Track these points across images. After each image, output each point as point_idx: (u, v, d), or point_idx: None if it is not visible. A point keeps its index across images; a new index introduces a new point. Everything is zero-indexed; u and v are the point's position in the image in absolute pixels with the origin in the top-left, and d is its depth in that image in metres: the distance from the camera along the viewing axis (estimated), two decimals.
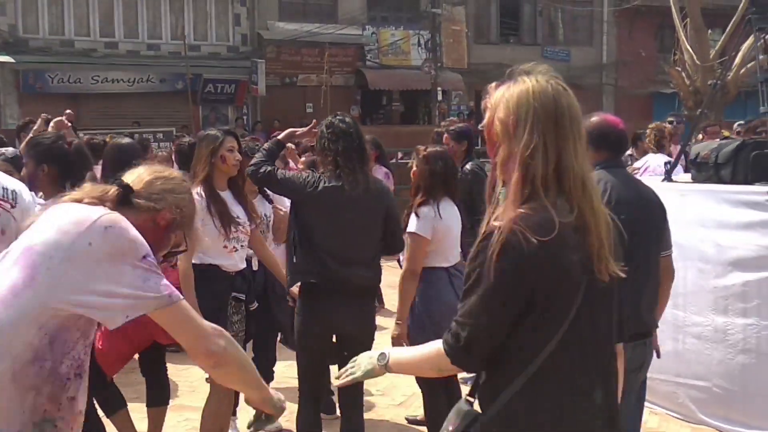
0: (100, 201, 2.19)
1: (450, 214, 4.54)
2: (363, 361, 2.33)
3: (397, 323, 4.43)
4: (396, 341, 4.40)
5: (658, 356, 3.87)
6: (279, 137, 4.61)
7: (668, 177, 5.86)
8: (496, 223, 1.97)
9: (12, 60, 21.07)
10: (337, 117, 4.26)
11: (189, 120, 20.32)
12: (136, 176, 2.33)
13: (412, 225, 4.42)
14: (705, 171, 5.53)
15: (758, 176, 5.18)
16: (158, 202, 2.28)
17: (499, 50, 27.34)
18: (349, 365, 2.38)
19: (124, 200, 2.21)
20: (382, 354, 2.28)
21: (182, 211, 2.35)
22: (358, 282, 4.05)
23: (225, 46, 24.18)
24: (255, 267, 5.22)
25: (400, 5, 26.11)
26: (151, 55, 23.15)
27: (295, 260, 4.14)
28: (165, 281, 2.10)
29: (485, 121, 2.17)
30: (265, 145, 4.52)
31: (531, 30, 28.60)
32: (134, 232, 2.09)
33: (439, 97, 24.58)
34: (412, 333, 4.44)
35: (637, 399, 3.84)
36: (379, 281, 4.41)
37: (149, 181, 2.31)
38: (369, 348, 4.15)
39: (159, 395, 4.72)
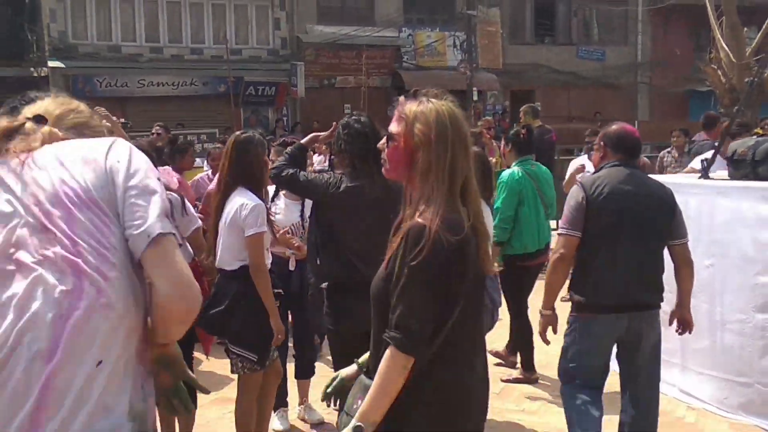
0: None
1: (488, 214, 4.56)
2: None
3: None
4: None
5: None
6: (302, 141, 4.57)
7: (705, 174, 5.81)
8: (421, 220, 2.29)
9: (62, 65, 21.42)
10: (353, 117, 4.22)
11: (231, 122, 20.47)
12: (43, 109, 2.03)
13: None
14: (743, 168, 5.48)
15: None
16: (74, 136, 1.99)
17: (534, 50, 27.22)
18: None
19: None
20: (357, 427, 2.26)
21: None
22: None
23: (265, 49, 24.33)
24: (291, 267, 5.26)
25: (435, 7, 26.08)
26: (194, 59, 23.37)
27: (318, 262, 4.12)
28: None
29: (398, 129, 2.45)
30: (288, 150, 4.43)
31: (566, 30, 28.38)
32: None
33: (475, 97, 24.46)
34: None
35: (648, 379, 4.21)
36: None
37: (60, 114, 2.03)
38: None
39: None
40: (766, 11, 14.15)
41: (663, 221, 4.12)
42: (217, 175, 5.02)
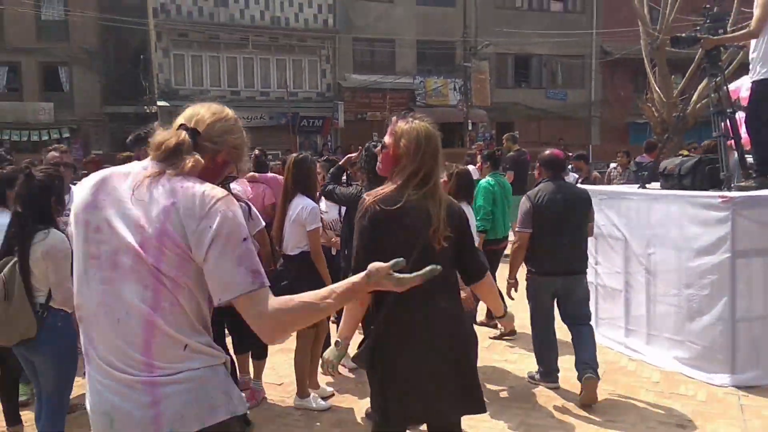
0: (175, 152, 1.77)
1: (469, 213, 4.57)
2: (332, 356, 2.54)
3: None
4: (465, 303, 4.36)
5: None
6: (340, 162, 4.71)
7: (643, 185, 5.75)
8: (366, 192, 2.56)
9: (167, 104, 21.61)
10: (372, 143, 4.19)
11: (290, 146, 20.57)
12: (197, 118, 1.87)
13: None
14: (671, 180, 5.42)
15: (712, 184, 5.08)
16: (219, 144, 1.87)
17: (513, 92, 27.14)
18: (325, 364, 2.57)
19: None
20: (336, 341, 2.54)
21: (237, 149, 1.94)
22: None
23: (315, 92, 24.42)
24: (333, 252, 5.21)
25: (440, 61, 26.00)
26: (263, 100, 23.50)
27: (347, 252, 4.10)
28: None
29: (389, 141, 2.57)
30: (332, 170, 4.63)
31: (537, 77, 28.23)
32: None
33: (469, 127, 24.50)
34: None
35: (581, 318, 4.63)
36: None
37: (210, 123, 1.87)
38: None
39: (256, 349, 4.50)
40: (689, 62, 13.98)
41: (583, 212, 4.68)
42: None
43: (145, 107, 23.10)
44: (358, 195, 4.00)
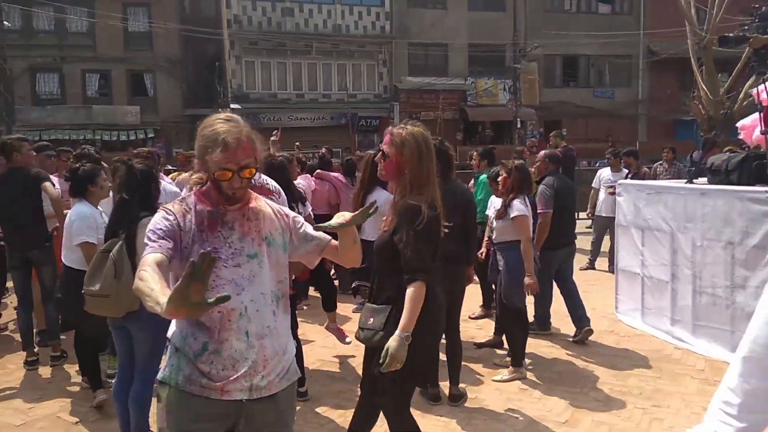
0: None
1: (528, 206, 4.51)
2: (395, 348, 2.37)
3: (527, 275, 4.32)
4: (530, 289, 4.36)
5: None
6: None
7: (690, 180, 5.55)
8: (414, 202, 2.50)
9: (239, 107, 22.10)
10: (435, 140, 4.14)
11: (349, 144, 20.74)
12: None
13: (519, 210, 4.34)
14: (718, 176, 5.21)
15: (759, 179, 4.86)
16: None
17: (561, 91, 26.54)
18: (385, 359, 2.38)
19: None
20: (406, 336, 2.39)
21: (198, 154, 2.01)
22: (442, 252, 3.85)
23: (372, 93, 24.51)
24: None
25: (491, 63, 25.64)
26: (325, 102, 23.76)
27: None
28: None
29: (390, 149, 2.57)
30: None
31: (585, 76, 27.49)
32: None
33: (518, 125, 24.08)
34: (506, 283, 4.44)
35: (570, 274, 5.47)
36: (462, 253, 4.02)
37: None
38: (461, 297, 4.17)
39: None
40: (735, 61, 13.34)
41: (574, 197, 5.59)
42: (359, 179, 5.04)
43: (220, 110, 23.59)
44: None
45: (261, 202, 2.09)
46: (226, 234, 1.94)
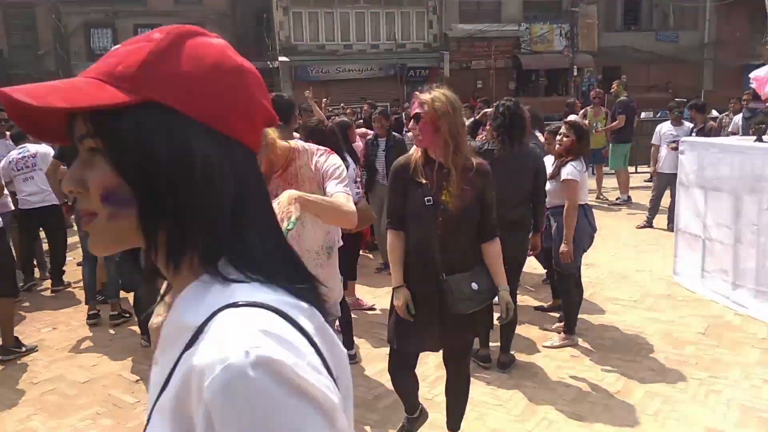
0: None
1: (583, 168, 4.32)
2: (511, 301, 2.78)
3: (564, 242, 4.16)
4: (563, 256, 4.19)
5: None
6: (477, 117, 4.65)
7: (759, 138, 5.18)
8: (477, 161, 2.66)
9: (287, 59, 22.07)
10: (501, 103, 3.94)
11: (398, 95, 20.45)
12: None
13: (568, 174, 4.15)
14: None
15: None
16: None
17: (622, 36, 25.20)
18: (508, 312, 2.75)
19: None
20: (507, 288, 2.79)
21: None
22: (509, 217, 3.69)
23: (422, 43, 23.92)
24: None
25: (547, 7, 24.55)
26: (373, 52, 23.37)
27: None
28: None
29: (422, 110, 2.55)
30: (468, 123, 4.41)
31: (648, 19, 25.96)
32: None
33: (575, 73, 23.15)
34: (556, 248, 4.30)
35: None
36: (528, 219, 3.99)
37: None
38: (522, 264, 4.07)
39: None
40: None
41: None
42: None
43: (269, 63, 23.65)
44: (481, 148, 3.89)
45: (303, 160, 2.22)
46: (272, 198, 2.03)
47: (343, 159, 4.07)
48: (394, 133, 6.39)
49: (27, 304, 5.65)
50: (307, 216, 2.09)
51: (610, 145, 9.78)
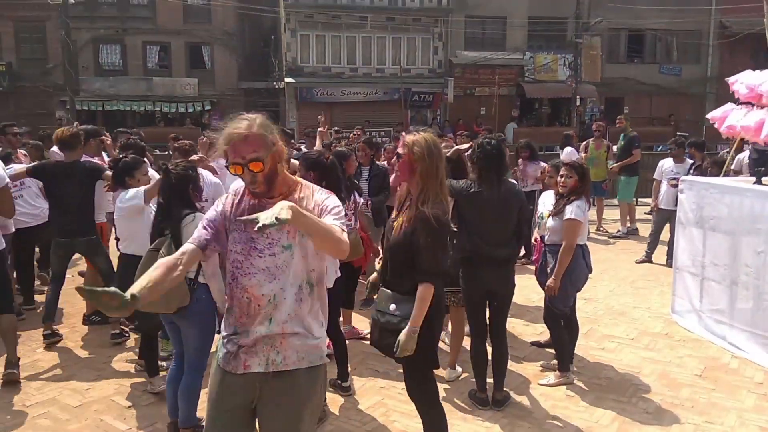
0: None
1: (587, 209, 4.34)
2: (406, 342, 2.83)
3: (553, 277, 4.20)
4: (549, 291, 4.23)
5: None
6: (449, 155, 4.23)
7: (758, 180, 5.22)
8: (426, 211, 2.79)
9: (293, 81, 22.24)
10: (486, 140, 4.00)
11: (401, 119, 20.58)
12: None
13: (572, 213, 4.17)
14: None
15: None
16: None
17: (625, 67, 25.45)
18: (397, 348, 2.84)
19: None
20: (415, 330, 2.81)
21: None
22: (498, 256, 3.84)
23: (426, 68, 24.12)
24: None
25: (551, 37, 24.77)
26: (378, 76, 23.56)
27: (456, 241, 3.99)
28: None
29: (403, 150, 2.91)
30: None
31: (651, 52, 26.17)
32: None
33: (577, 103, 23.33)
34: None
35: None
36: (515, 256, 4.07)
37: None
38: (510, 301, 4.07)
39: None
40: None
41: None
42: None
43: (275, 83, 23.87)
44: (469, 189, 3.91)
45: (305, 194, 2.23)
46: None
47: (340, 192, 4.10)
48: (377, 162, 6.46)
49: (24, 318, 5.62)
50: (298, 249, 2.13)
51: (622, 178, 9.84)
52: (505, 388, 4.08)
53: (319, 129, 6.68)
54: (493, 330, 4.01)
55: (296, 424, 2.17)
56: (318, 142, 6.49)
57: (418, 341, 2.79)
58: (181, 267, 2.12)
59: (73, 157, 5.02)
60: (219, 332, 2.36)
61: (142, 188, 4.25)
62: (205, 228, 2.20)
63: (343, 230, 2.12)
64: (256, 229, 1.78)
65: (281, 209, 1.81)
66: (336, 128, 10.51)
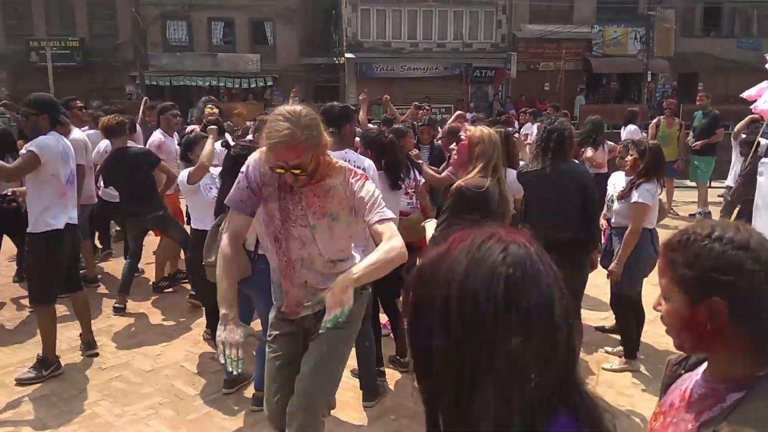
0: None
1: (657, 191, 4.16)
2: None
3: (616, 262, 4.07)
4: (612, 276, 4.12)
5: None
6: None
7: None
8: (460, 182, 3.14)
9: (353, 56, 22.24)
10: (548, 120, 3.94)
11: (462, 95, 20.32)
12: None
13: (639, 197, 4.01)
14: None
15: None
16: None
17: (701, 42, 24.14)
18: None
19: None
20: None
21: None
22: (560, 239, 3.49)
23: (489, 43, 23.65)
24: None
25: (622, 10, 23.75)
26: (439, 51, 23.27)
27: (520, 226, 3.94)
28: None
29: (464, 136, 3.23)
30: None
31: (729, 25, 24.74)
32: None
33: (648, 79, 22.36)
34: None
35: None
36: (583, 239, 3.81)
37: None
38: (582, 286, 3.90)
39: None
40: None
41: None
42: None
43: (335, 59, 23.92)
44: (525, 170, 3.87)
45: (338, 180, 2.31)
46: (297, 200, 2.33)
47: (399, 170, 4.07)
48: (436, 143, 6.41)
49: (101, 287, 5.93)
50: (326, 229, 2.33)
51: (695, 158, 9.42)
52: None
53: (361, 97, 6.75)
54: None
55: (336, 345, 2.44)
56: (363, 112, 6.52)
57: None
58: (235, 257, 2.42)
59: (119, 144, 5.21)
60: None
61: (187, 170, 4.38)
62: (246, 189, 2.38)
63: (389, 222, 2.24)
64: (330, 325, 2.03)
65: (346, 299, 2.03)
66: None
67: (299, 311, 2.46)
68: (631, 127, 9.04)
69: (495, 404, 0.78)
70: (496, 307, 0.78)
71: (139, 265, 6.37)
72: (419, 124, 7.03)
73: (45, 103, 3.95)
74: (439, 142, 6.70)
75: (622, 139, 7.32)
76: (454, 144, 3.21)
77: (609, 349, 4.57)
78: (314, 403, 2.42)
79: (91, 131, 6.23)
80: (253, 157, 2.42)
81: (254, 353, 3.67)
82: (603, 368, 4.27)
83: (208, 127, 4.75)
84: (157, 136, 6.03)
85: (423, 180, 4.67)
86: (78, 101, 6.88)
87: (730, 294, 1.08)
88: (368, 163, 3.58)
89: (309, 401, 2.39)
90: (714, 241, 1.11)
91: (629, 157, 4.21)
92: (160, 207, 5.27)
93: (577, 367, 0.86)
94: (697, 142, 9.36)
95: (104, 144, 5.80)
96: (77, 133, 5.59)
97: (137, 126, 6.55)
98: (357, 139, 4.24)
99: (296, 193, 2.33)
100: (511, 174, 4.01)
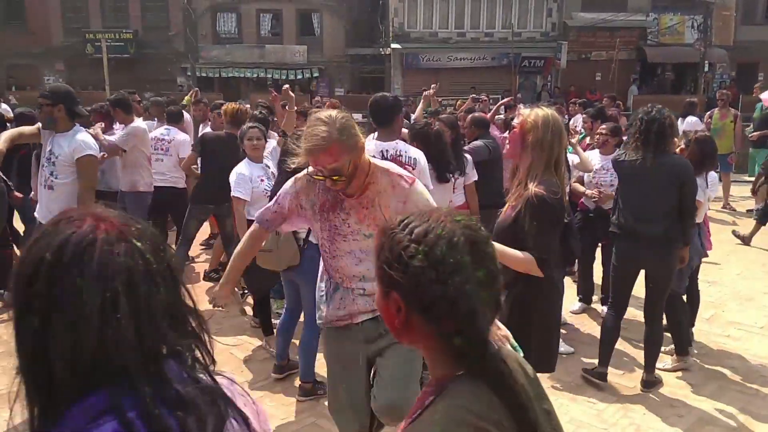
0: None
1: (706, 186, 4.02)
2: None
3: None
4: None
5: None
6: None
7: None
8: (533, 189, 2.46)
9: (399, 46, 22.17)
10: (646, 109, 3.67)
11: (509, 86, 20.01)
12: None
13: None
14: None
15: None
16: None
17: (762, 30, 23.06)
18: None
19: None
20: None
21: None
22: (646, 233, 3.57)
23: (539, 32, 23.18)
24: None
25: None
26: (486, 41, 22.97)
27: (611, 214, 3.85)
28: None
29: (517, 121, 2.64)
30: None
31: None
32: None
33: (705, 69, 21.50)
34: None
35: None
36: (673, 234, 3.63)
37: None
38: (667, 282, 3.71)
39: None
40: None
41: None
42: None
43: (381, 49, 23.89)
44: (622, 158, 3.73)
45: (380, 186, 2.28)
46: (344, 217, 2.32)
47: (447, 162, 4.05)
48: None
49: None
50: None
51: (751, 150, 9.04)
52: (623, 371, 3.92)
53: (425, 92, 6.57)
54: (648, 310, 3.84)
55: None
56: (420, 107, 6.44)
57: (535, 334, 2.51)
58: (249, 251, 2.61)
59: (232, 130, 5.26)
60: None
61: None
62: (277, 202, 2.45)
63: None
64: None
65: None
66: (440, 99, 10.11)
67: (356, 319, 2.43)
68: (691, 119, 8.72)
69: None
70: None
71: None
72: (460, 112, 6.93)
73: (61, 94, 3.85)
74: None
75: (682, 131, 7.08)
76: (507, 132, 3.03)
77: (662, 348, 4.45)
78: (409, 396, 2.37)
79: (147, 122, 6.40)
80: (288, 184, 2.45)
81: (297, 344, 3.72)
82: (657, 368, 4.16)
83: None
84: (207, 130, 6.18)
85: (475, 178, 4.57)
86: (135, 94, 7.15)
87: (400, 290, 1.00)
88: (418, 154, 3.56)
89: (403, 394, 2.38)
90: (400, 232, 1.03)
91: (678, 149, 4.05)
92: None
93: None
94: (754, 133, 8.97)
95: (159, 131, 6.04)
96: (139, 122, 5.76)
97: (184, 114, 6.73)
98: (404, 131, 4.24)
99: (343, 209, 2.31)
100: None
